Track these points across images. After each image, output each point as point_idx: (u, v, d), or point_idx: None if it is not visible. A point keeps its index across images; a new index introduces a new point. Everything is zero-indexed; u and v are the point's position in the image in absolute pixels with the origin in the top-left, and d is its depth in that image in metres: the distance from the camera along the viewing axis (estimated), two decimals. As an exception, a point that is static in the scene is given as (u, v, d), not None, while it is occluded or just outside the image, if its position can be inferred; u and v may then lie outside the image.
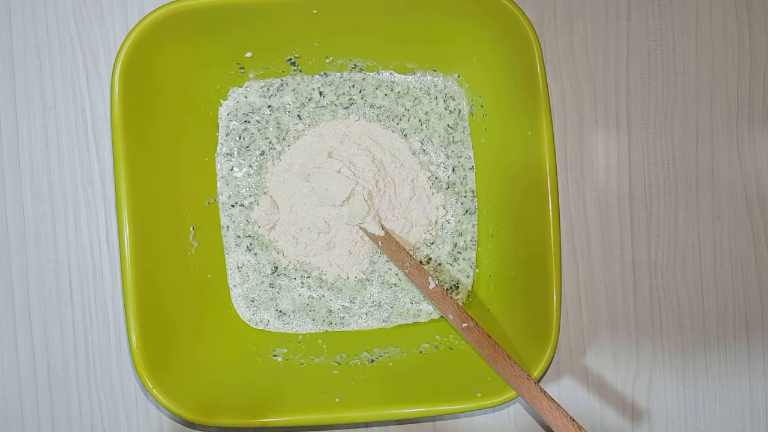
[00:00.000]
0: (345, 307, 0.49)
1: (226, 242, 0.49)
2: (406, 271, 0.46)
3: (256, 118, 0.49)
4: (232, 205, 0.49)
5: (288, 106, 0.49)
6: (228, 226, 0.49)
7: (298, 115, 0.49)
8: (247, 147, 0.49)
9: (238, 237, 0.49)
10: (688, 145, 0.50)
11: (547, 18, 0.49)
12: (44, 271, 0.49)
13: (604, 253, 0.49)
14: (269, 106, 0.49)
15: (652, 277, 0.49)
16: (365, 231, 0.48)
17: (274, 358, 0.47)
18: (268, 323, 0.49)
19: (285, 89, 0.49)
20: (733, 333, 0.50)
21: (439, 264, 0.49)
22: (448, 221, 0.49)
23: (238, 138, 0.49)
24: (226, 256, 0.49)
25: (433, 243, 0.49)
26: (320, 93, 0.49)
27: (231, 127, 0.49)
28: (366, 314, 0.49)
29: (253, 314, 0.49)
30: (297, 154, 0.49)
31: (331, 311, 0.49)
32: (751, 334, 0.50)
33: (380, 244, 0.48)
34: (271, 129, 0.49)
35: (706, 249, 0.50)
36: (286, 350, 0.48)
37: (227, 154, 0.49)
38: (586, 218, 0.49)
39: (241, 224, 0.49)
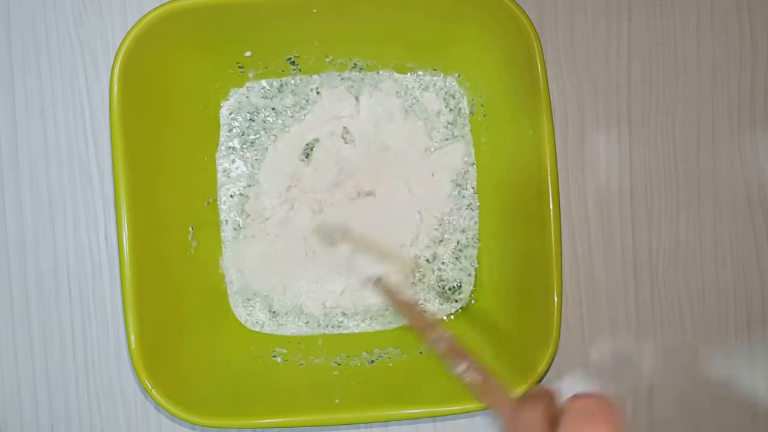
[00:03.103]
0: (344, 314, 0.49)
1: (225, 239, 0.49)
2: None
3: (258, 117, 0.49)
4: (231, 198, 0.48)
5: (288, 107, 0.49)
6: (227, 220, 0.48)
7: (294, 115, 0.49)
8: (252, 143, 0.48)
9: (235, 230, 0.49)
10: (690, 145, 0.50)
11: (548, 17, 0.49)
12: (43, 271, 0.49)
13: (605, 252, 0.49)
14: (273, 109, 0.49)
15: (653, 276, 0.49)
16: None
17: (274, 358, 0.47)
18: (264, 324, 0.49)
19: (284, 90, 0.49)
20: (734, 333, 0.49)
21: (443, 263, 0.49)
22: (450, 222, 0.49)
23: (240, 134, 0.48)
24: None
25: (441, 241, 0.49)
26: (317, 92, 0.49)
27: (232, 126, 0.49)
28: (369, 319, 0.49)
29: (249, 315, 0.49)
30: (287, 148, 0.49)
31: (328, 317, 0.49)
32: (752, 333, 0.49)
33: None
34: (271, 128, 0.49)
35: (708, 248, 0.49)
36: (285, 351, 0.47)
37: (227, 152, 0.48)
38: (587, 218, 0.49)
39: (240, 222, 0.49)
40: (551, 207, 0.41)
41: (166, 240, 0.45)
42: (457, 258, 0.49)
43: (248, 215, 0.48)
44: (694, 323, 0.49)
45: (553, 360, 0.42)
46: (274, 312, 0.49)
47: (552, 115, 0.42)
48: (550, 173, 0.41)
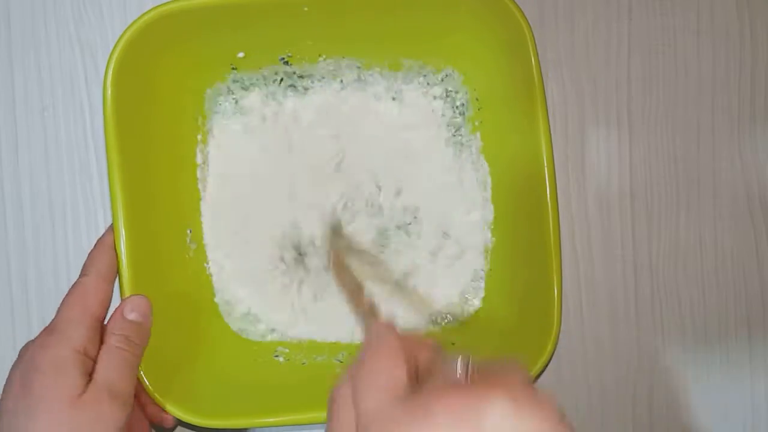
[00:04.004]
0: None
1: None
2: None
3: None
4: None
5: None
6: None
7: None
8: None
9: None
10: (690, 145, 0.49)
11: (548, 17, 0.49)
12: (43, 271, 0.49)
13: (605, 252, 0.49)
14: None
15: (653, 276, 0.49)
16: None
17: (276, 358, 0.47)
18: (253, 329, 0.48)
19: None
20: (734, 332, 0.49)
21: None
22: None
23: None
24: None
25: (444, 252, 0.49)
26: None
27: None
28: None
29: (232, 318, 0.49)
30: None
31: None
32: (752, 333, 0.49)
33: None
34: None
35: (708, 248, 0.49)
36: (287, 350, 0.47)
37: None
38: (587, 218, 0.49)
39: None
40: (549, 204, 0.41)
41: (165, 242, 0.45)
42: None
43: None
44: (694, 323, 0.49)
45: (551, 359, 0.42)
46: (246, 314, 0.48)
47: (548, 109, 0.42)
48: (547, 170, 0.41)
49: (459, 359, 0.28)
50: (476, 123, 0.48)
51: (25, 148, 0.49)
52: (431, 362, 0.29)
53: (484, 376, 0.27)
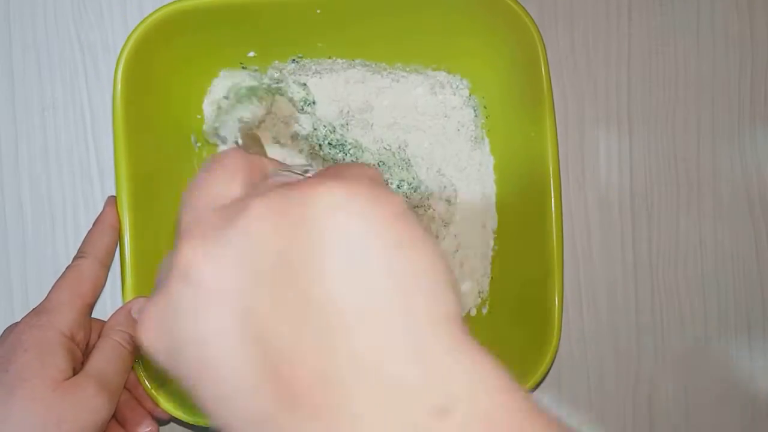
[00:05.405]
0: None
1: None
2: None
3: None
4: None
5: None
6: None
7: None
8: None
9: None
10: (690, 145, 0.50)
11: (548, 18, 0.49)
12: (43, 272, 0.49)
13: (605, 253, 0.49)
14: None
15: (653, 277, 0.49)
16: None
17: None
18: None
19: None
20: (734, 333, 0.49)
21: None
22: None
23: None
24: None
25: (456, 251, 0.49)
26: None
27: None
28: None
29: None
30: None
31: None
32: (752, 333, 0.50)
33: None
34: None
35: (708, 249, 0.49)
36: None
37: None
38: (587, 218, 0.49)
39: None
40: (554, 209, 0.41)
41: (168, 240, 0.45)
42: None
43: None
44: (694, 323, 0.49)
45: (554, 360, 0.42)
46: None
47: (555, 117, 0.42)
48: (552, 175, 0.41)
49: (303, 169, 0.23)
50: (485, 130, 0.48)
51: (25, 148, 0.49)
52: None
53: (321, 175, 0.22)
